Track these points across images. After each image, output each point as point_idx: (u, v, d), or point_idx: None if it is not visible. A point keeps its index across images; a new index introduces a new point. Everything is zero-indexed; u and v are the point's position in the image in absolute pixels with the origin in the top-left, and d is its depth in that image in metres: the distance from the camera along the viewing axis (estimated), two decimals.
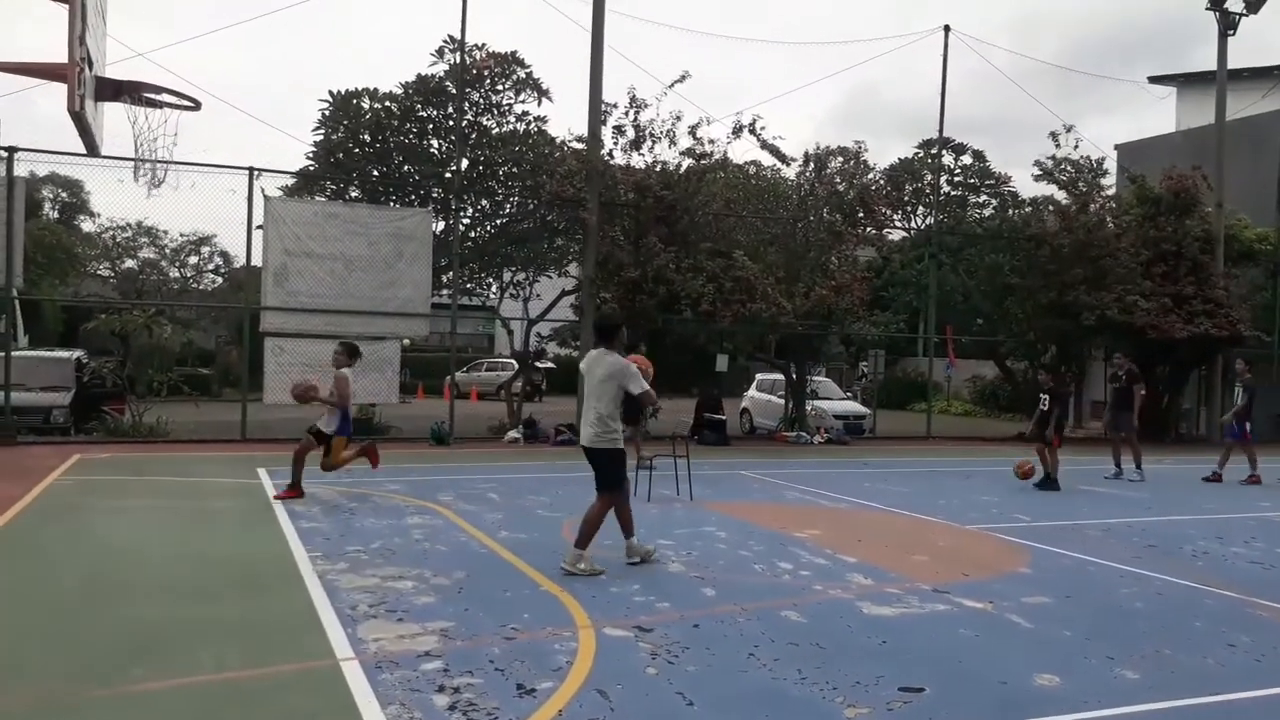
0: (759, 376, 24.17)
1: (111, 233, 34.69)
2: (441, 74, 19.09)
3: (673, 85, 18.25)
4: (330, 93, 19.15)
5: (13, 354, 15.39)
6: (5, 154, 15.02)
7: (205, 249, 35.97)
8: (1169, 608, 6.64)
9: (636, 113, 18.47)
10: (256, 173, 16.36)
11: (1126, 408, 14.37)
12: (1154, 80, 33.94)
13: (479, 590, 6.49)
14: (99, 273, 35.44)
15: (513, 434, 18.08)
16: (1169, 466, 16.10)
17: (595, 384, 7.23)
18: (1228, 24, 22.04)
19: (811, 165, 20.53)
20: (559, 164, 18.51)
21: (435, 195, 19.19)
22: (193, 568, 6.98)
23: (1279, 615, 6.50)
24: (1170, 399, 23.15)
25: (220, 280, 36.65)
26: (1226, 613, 6.50)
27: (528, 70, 19.47)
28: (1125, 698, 4.74)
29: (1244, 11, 21.85)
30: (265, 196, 16.52)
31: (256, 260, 16.77)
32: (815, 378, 23.36)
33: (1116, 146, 29.77)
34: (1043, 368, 16.47)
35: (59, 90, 8.99)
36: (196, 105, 11.95)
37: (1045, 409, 13.19)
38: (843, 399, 23.82)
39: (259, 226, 16.44)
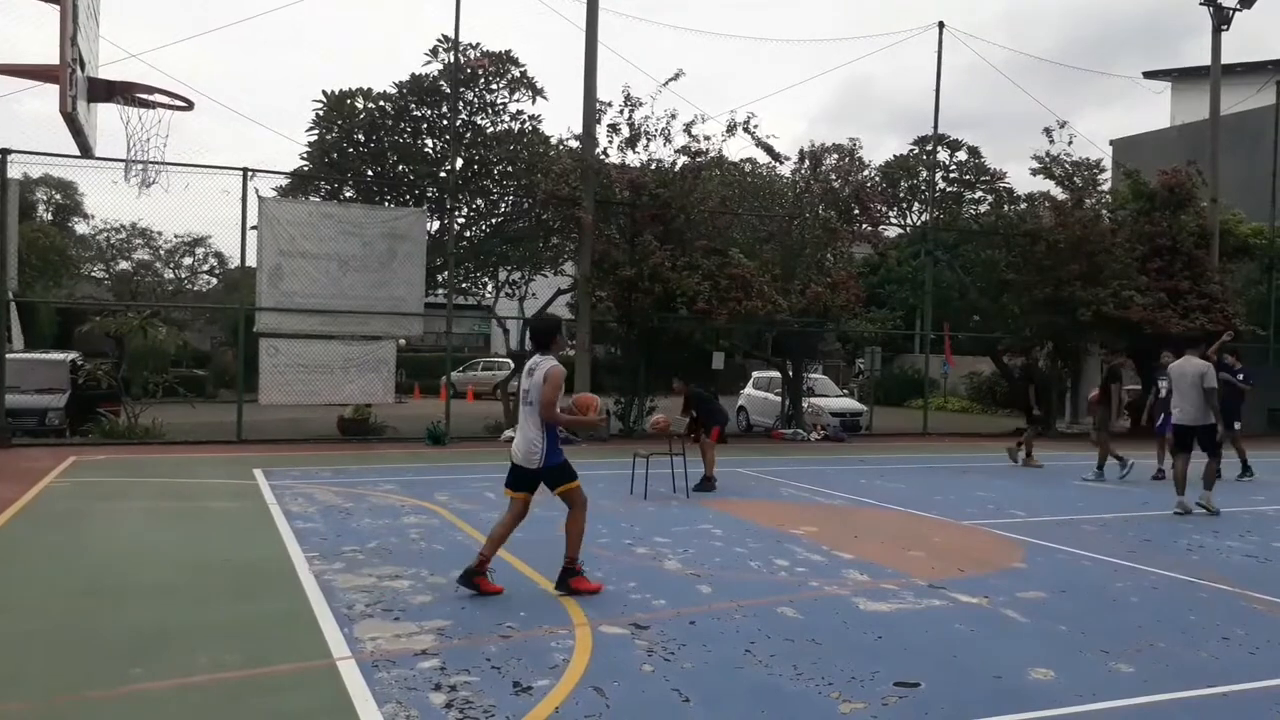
0: (755, 374, 24.20)
1: (106, 234, 34.62)
2: (436, 73, 19.06)
3: (667, 83, 18.32)
4: (324, 93, 19.06)
5: (7, 356, 15.36)
6: None
7: (200, 250, 35.92)
8: (1164, 601, 6.66)
9: (631, 111, 18.51)
10: (250, 173, 16.35)
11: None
12: (1149, 75, 34.00)
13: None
14: (93, 275, 35.35)
15: (509, 433, 18.07)
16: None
17: (1186, 384, 10.49)
18: (1221, 19, 22.08)
19: (806, 162, 20.55)
20: (554, 163, 18.49)
21: (430, 195, 19.15)
22: (190, 569, 6.97)
23: (1273, 608, 6.53)
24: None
25: (215, 281, 36.58)
26: (1221, 606, 6.53)
27: (522, 69, 19.43)
28: (1120, 691, 4.76)
29: (1237, 6, 21.89)
30: (259, 197, 16.51)
31: (251, 261, 16.77)
32: (812, 375, 23.37)
33: (1112, 141, 29.80)
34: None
35: (47, 90, 8.99)
36: (189, 105, 11.93)
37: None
38: (839, 396, 23.83)
39: (253, 227, 16.41)
